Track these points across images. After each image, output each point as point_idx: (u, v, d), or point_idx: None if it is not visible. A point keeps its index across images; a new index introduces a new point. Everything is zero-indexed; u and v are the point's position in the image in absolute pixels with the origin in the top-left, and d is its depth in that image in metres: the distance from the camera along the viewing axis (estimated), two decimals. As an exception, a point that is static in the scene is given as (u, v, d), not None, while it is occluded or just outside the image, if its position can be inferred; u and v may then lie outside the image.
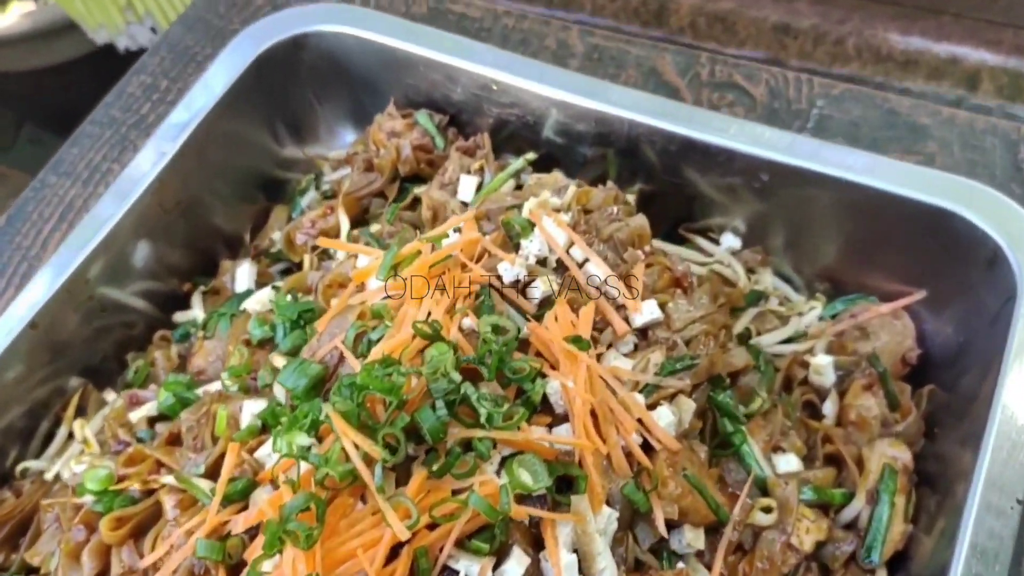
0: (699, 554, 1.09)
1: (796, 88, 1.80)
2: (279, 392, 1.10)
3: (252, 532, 0.99)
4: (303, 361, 1.08)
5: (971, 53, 2.55)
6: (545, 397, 1.05)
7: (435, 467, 0.94)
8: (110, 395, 1.38)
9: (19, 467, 1.32)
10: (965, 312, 1.37)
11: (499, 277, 1.15)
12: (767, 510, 1.15)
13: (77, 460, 1.23)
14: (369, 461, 0.91)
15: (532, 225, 1.23)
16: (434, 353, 0.99)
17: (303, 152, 1.71)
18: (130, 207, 1.39)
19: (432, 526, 0.92)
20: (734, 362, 1.27)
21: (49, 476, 1.28)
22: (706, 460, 1.15)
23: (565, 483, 1.01)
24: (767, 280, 1.48)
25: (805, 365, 1.36)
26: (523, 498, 0.96)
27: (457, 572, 0.92)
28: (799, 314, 1.44)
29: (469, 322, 1.07)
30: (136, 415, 1.25)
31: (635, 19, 2.53)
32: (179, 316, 1.48)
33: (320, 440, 0.97)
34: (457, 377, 0.98)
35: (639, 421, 1.07)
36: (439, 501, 0.91)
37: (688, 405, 1.13)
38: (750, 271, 1.49)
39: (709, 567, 1.08)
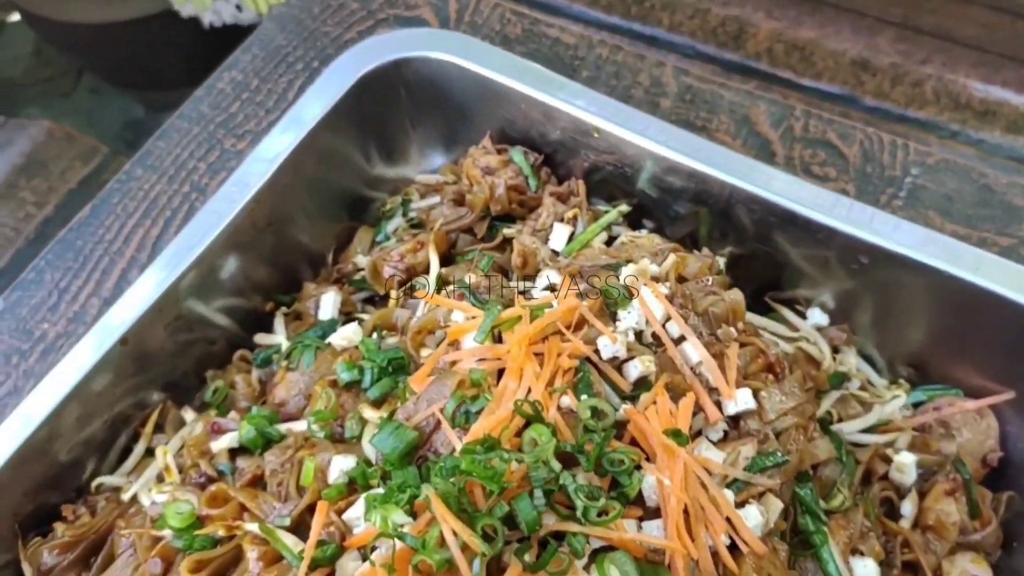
0: (772, 659, 1.08)
1: (891, 153, 1.77)
2: (368, 450, 1.10)
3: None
4: (399, 425, 1.07)
5: (1055, 107, 2.49)
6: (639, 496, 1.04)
7: (530, 560, 0.93)
8: (188, 413, 1.38)
9: (95, 482, 1.34)
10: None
11: (597, 351, 1.14)
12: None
13: (158, 488, 1.24)
14: (465, 549, 0.91)
15: (631, 295, 1.21)
16: (534, 436, 0.98)
17: (392, 172, 1.70)
18: (226, 224, 1.38)
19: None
20: (817, 453, 1.25)
21: (126, 497, 1.29)
22: (786, 561, 1.13)
23: (648, 580, 1.00)
24: (851, 361, 1.46)
25: (886, 459, 1.34)
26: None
27: (545, 674, 0.91)
28: (882, 401, 1.41)
29: (567, 401, 1.06)
30: (217, 445, 1.25)
31: (712, 39, 2.50)
32: (260, 338, 1.48)
33: (414, 516, 0.97)
34: (557, 467, 0.97)
35: (727, 520, 1.05)
36: (536, 599, 0.90)
37: (776, 505, 1.12)
38: (834, 349, 1.46)
39: (784, 674, 1.07)
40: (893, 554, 1.25)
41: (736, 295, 1.31)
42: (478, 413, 1.05)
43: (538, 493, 0.96)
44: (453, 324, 1.22)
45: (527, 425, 1.03)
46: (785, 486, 1.17)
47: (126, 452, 1.39)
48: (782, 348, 1.37)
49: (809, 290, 1.51)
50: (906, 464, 1.31)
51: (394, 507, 0.96)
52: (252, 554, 1.07)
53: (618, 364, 1.16)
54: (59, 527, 1.26)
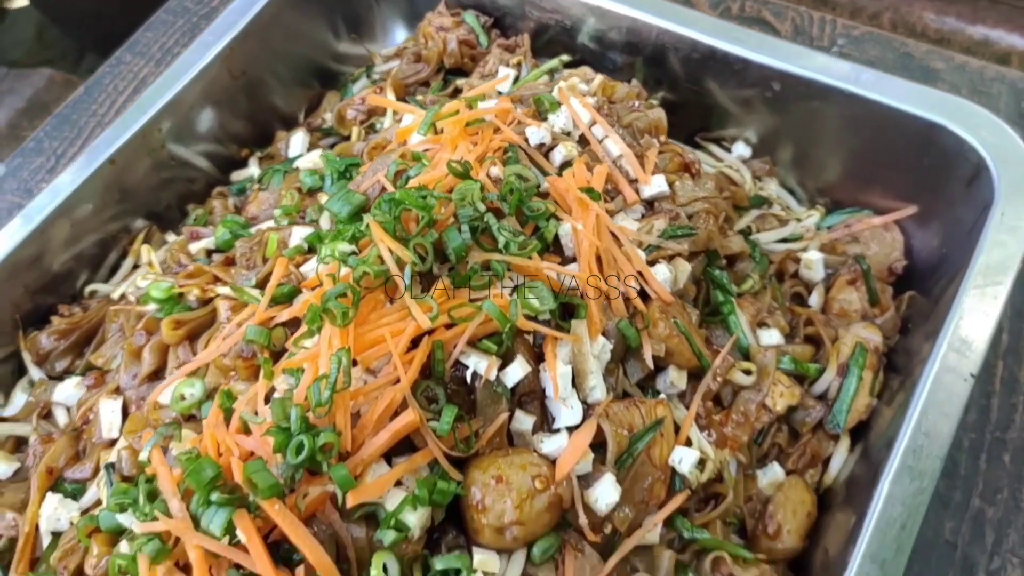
0: (681, 396, 1.23)
1: (820, 27, 1.92)
2: (325, 222, 1.26)
3: (293, 328, 1.14)
4: (348, 191, 1.23)
5: (1004, 36, 2.66)
6: (557, 241, 1.19)
7: (457, 278, 1.08)
8: (171, 237, 1.54)
9: (88, 288, 1.49)
10: (949, 225, 1.48)
11: (526, 139, 1.29)
12: (747, 372, 1.29)
13: (143, 278, 1.39)
14: (401, 265, 1.06)
15: (559, 104, 1.37)
16: (463, 187, 1.14)
17: (358, 48, 1.86)
18: (202, 69, 1.54)
19: (449, 327, 1.06)
20: (731, 246, 1.40)
21: (115, 295, 1.44)
22: (696, 322, 1.28)
23: (568, 315, 1.15)
24: (772, 188, 1.61)
25: (797, 261, 1.48)
26: (529, 320, 1.10)
27: (467, 367, 1.06)
28: (798, 220, 1.56)
29: (496, 171, 1.21)
30: (195, 247, 1.41)
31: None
32: (236, 175, 1.64)
33: (359, 251, 1.12)
34: (482, 207, 1.12)
35: (639, 273, 1.20)
36: (458, 304, 1.05)
37: (684, 267, 1.27)
38: (757, 179, 1.61)
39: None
40: (797, 329, 1.39)
41: (659, 112, 1.47)
42: (416, 176, 1.20)
43: (465, 228, 1.10)
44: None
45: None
46: (696, 261, 1.32)
47: (115, 270, 1.54)
48: (704, 169, 1.51)
49: (736, 129, 1.67)
50: (813, 260, 1.45)
51: (341, 240, 1.11)
52: (224, 307, 1.22)
53: (545, 151, 1.31)
54: (56, 319, 1.41)
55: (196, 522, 0.96)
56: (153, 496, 0.99)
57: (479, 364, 1.05)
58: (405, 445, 1.03)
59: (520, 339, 1.11)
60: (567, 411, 1.09)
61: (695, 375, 1.24)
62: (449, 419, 1.01)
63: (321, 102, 1.77)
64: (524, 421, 1.09)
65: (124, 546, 1.03)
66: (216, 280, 1.28)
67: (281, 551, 0.98)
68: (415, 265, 1.06)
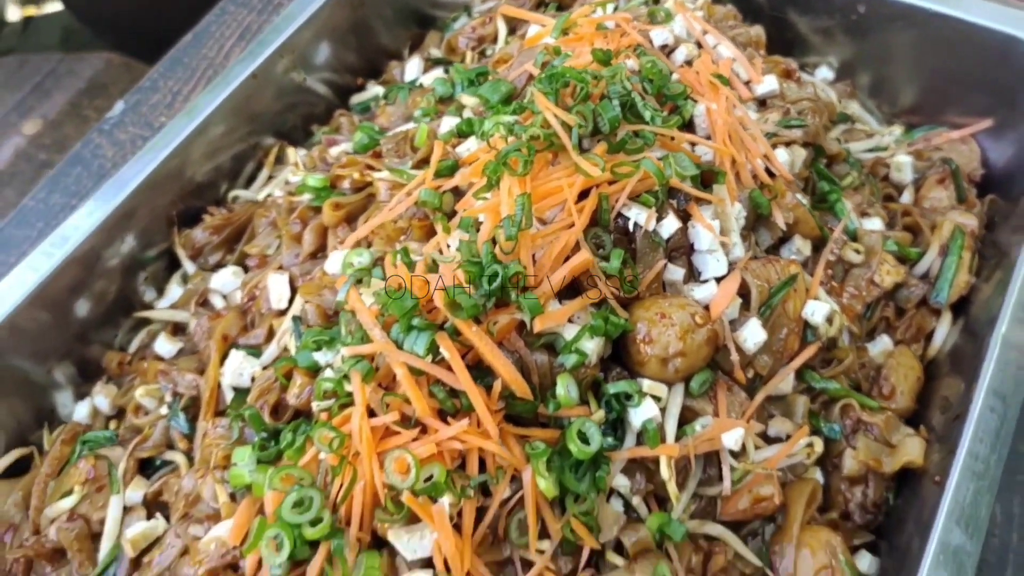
0: (804, 264, 1.34)
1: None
2: (467, 101, 1.37)
3: (458, 198, 1.25)
4: (498, 80, 1.34)
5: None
6: (691, 124, 1.31)
7: (611, 146, 1.19)
8: (302, 152, 1.65)
9: (231, 194, 1.60)
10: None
11: (650, 41, 1.41)
12: (857, 251, 1.40)
13: (293, 174, 1.50)
14: (566, 129, 1.17)
15: (672, 16, 1.49)
16: (611, 68, 1.25)
17: (454, -2, 1.99)
18: (320, 5, 1.66)
19: (611, 184, 1.17)
20: (830, 147, 1.52)
21: (261, 196, 1.55)
22: (809, 204, 1.40)
23: (705, 187, 1.26)
24: (854, 107, 1.73)
25: (887, 167, 1.60)
26: (673, 191, 1.21)
27: (628, 219, 1.17)
28: (881, 134, 1.68)
29: (632, 63, 1.33)
30: (335, 150, 1.52)
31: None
32: (355, 99, 1.75)
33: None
34: (629, 85, 1.24)
35: (763, 155, 1.32)
36: (620, 162, 1.17)
37: (800, 152, 1.39)
38: (839, 100, 1.73)
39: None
40: (896, 220, 1.51)
41: (758, 28, 1.59)
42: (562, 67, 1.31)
43: (615, 102, 1.22)
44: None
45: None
46: (807, 152, 1.43)
47: (251, 180, 1.65)
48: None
49: (816, 56, 1.79)
50: (904, 163, 1.57)
51: (504, 113, 1.23)
52: (383, 187, 1.32)
53: (667, 52, 1.43)
54: (207, 217, 1.52)
55: (398, 347, 1.06)
56: (355, 327, 1.09)
57: (639, 215, 1.16)
58: (575, 292, 1.14)
59: (669, 204, 1.22)
60: (714, 262, 1.20)
61: (816, 247, 1.35)
62: (618, 259, 1.12)
63: (423, 40, 1.89)
64: (675, 272, 1.20)
65: (328, 373, 1.13)
66: (369, 168, 1.38)
67: (474, 375, 1.07)
68: (580, 127, 1.17)
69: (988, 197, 1.60)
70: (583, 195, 1.16)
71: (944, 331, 1.41)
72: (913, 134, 1.71)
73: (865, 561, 1.20)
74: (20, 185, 2.72)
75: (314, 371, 1.17)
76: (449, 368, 1.04)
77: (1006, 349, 1.22)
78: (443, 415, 1.06)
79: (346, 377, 1.09)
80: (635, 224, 1.17)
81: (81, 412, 1.39)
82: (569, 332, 1.10)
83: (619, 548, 1.11)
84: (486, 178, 1.15)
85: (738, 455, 1.17)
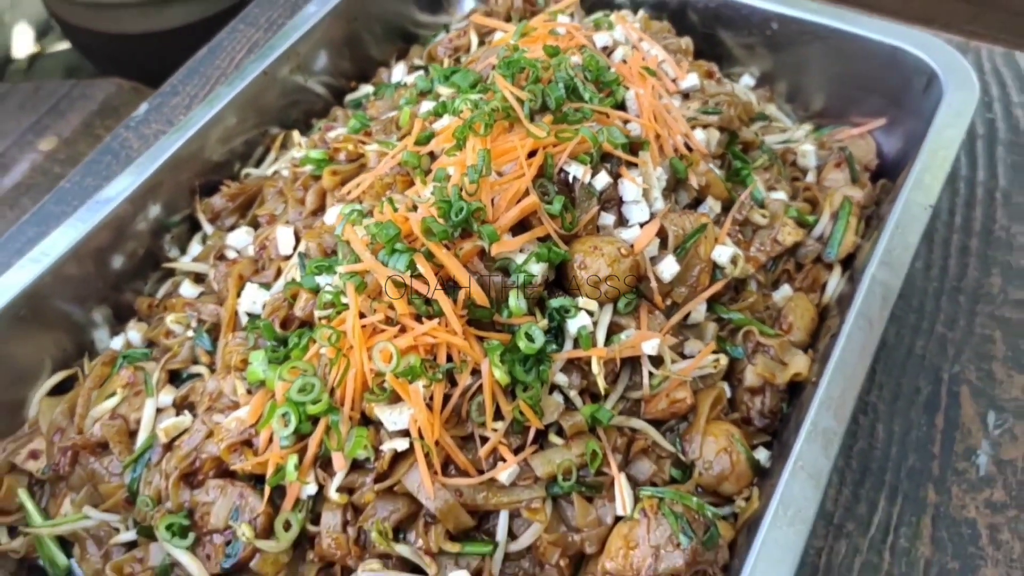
0: (716, 222, 1.64)
1: None
2: (443, 91, 1.68)
3: (434, 159, 1.55)
4: (467, 70, 1.65)
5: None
6: (623, 107, 1.62)
7: (557, 118, 1.50)
8: (304, 140, 1.95)
9: (243, 172, 1.89)
10: (910, 131, 1.92)
11: (594, 43, 1.73)
12: (763, 216, 1.70)
13: (296, 151, 1.80)
14: (520, 103, 1.48)
15: (614, 24, 1.81)
16: (558, 58, 1.57)
17: (434, 19, 2.31)
18: (327, 11, 1.98)
19: (555, 146, 1.47)
20: (745, 135, 1.84)
21: (269, 172, 1.85)
22: (723, 176, 1.70)
23: (634, 155, 1.57)
24: (771, 109, 2.06)
25: (795, 155, 1.92)
26: (607, 156, 1.52)
27: (568, 173, 1.47)
28: (793, 130, 2.01)
29: (576, 59, 1.64)
30: (331, 134, 1.82)
31: None
32: (349, 97, 2.06)
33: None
34: (572, 72, 1.55)
35: (683, 134, 1.63)
36: (562, 130, 1.47)
37: (714, 134, 1.70)
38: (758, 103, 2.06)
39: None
40: (798, 195, 1.82)
41: (687, 39, 1.92)
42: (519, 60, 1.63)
43: (560, 85, 1.53)
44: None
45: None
46: (723, 135, 1.75)
47: (260, 162, 1.95)
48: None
49: (742, 67, 2.12)
50: (808, 151, 1.89)
51: (469, 92, 1.53)
52: (373, 157, 1.62)
53: (608, 52, 1.75)
54: (223, 188, 1.81)
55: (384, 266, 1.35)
56: (349, 253, 1.38)
57: (577, 171, 1.46)
58: (525, 230, 1.43)
59: (602, 165, 1.52)
60: (638, 211, 1.50)
61: (725, 208, 1.66)
62: (559, 204, 1.41)
63: (408, 52, 2.21)
64: (607, 218, 1.50)
65: (328, 288, 1.41)
66: (361, 143, 1.69)
67: (443, 290, 1.36)
68: (530, 102, 1.48)
69: (880, 181, 1.91)
70: (533, 155, 1.46)
71: (835, 282, 1.71)
72: (822, 132, 2.03)
73: (763, 455, 1.48)
74: (36, 195, 2.98)
75: (316, 292, 1.45)
76: (424, 282, 1.33)
77: (874, 284, 1.51)
78: (419, 319, 1.34)
79: (342, 292, 1.38)
80: (574, 178, 1.46)
81: (116, 344, 1.67)
82: (520, 259, 1.39)
83: (560, 432, 1.39)
84: (455, 140, 1.45)
85: (658, 366, 1.45)
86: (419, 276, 1.33)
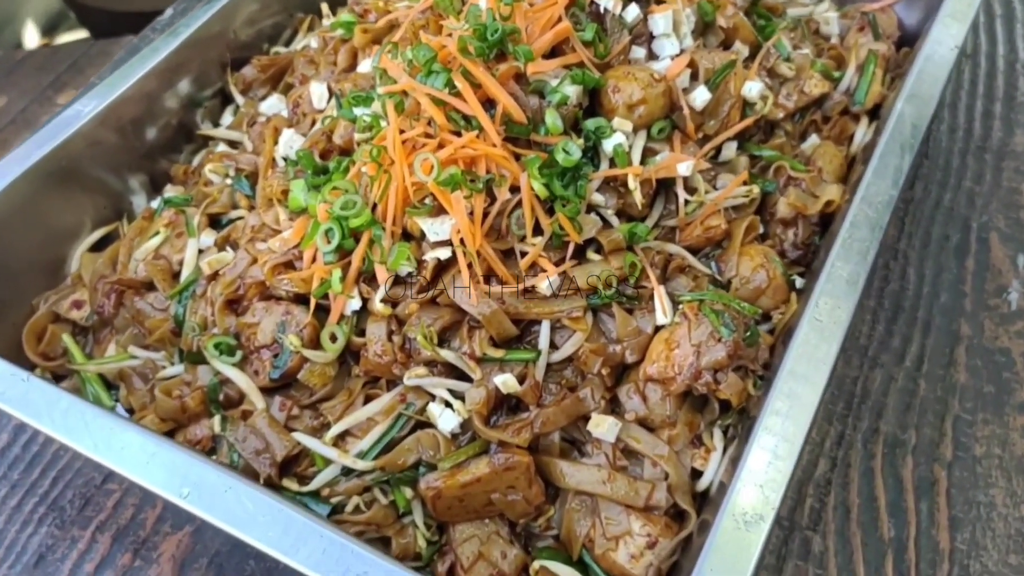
0: (744, 64, 1.65)
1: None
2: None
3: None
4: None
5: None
6: (648, -44, 1.64)
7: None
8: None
9: (272, 50, 1.92)
10: (931, 2, 1.94)
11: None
12: (789, 68, 1.72)
13: (327, 18, 1.82)
14: None
15: None
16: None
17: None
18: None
19: (584, -18, 1.50)
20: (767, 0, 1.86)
21: (298, 47, 1.87)
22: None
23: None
24: (792, -13, 2.08)
25: (817, 24, 1.94)
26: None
27: (599, 5, 1.49)
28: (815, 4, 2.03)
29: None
30: (361, 7, 1.85)
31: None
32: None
33: None
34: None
35: (708, -19, 1.65)
36: (590, -37, 1.50)
37: (742, -24, 1.72)
38: (780, -17, 2.08)
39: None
40: (823, 54, 1.84)
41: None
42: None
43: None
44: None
45: None
46: (744, -6, 1.77)
47: (289, 43, 1.98)
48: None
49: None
50: (831, 17, 1.91)
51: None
52: (403, 11, 1.65)
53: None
54: (255, 60, 1.84)
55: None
56: (386, 79, 1.41)
57: (608, 2, 1.48)
58: (559, 56, 1.45)
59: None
60: (669, 45, 1.52)
61: (753, 55, 1.68)
62: (591, 31, 1.44)
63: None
64: (638, 52, 1.52)
65: (366, 116, 1.43)
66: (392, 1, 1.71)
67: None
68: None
69: (903, 50, 1.93)
70: (563, -11, 1.48)
71: (862, 131, 1.72)
72: (844, 9, 2.05)
73: (798, 281, 1.50)
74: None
75: (354, 122, 1.47)
76: (463, 100, 1.35)
77: (902, 115, 1.53)
78: (458, 135, 1.36)
79: (381, 117, 1.40)
80: (604, 9, 1.49)
81: (154, 204, 1.69)
82: (555, 82, 1.41)
83: (598, 250, 1.41)
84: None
85: (692, 194, 1.47)
86: (457, 95, 1.35)
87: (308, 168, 1.46)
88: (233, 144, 1.75)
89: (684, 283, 1.42)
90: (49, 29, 5.34)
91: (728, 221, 1.49)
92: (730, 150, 1.56)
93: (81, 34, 5.04)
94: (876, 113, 1.75)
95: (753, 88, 1.55)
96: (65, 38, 5.29)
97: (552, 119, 1.37)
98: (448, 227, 1.32)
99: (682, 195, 1.45)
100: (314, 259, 1.37)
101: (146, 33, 2.19)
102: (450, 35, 1.43)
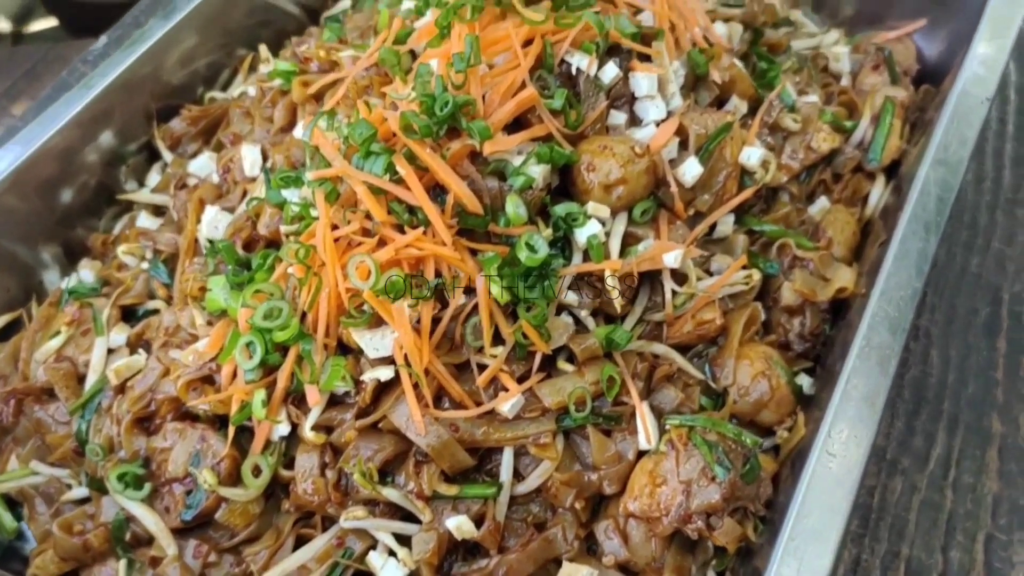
0: (742, 124, 1.43)
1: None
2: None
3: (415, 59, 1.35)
4: None
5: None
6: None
7: (556, 2, 1.30)
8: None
9: (207, 95, 1.69)
10: (954, 31, 1.71)
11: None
12: (794, 120, 1.50)
13: (263, 66, 1.60)
14: (512, -15, 1.27)
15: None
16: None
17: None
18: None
19: (555, 34, 1.27)
20: (770, 36, 1.63)
21: (235, 94, 1.65)
22: (749, 71, 1.50)
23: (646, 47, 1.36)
24: (797, 15, 1.84)
25: (826, 60, 1.71)
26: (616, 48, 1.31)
27: (571, 65, 1.27)
28: (821, 34, 1.80)
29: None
30: (301, 48, 1.62)
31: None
32: (327, 14, 1.86)
33: None
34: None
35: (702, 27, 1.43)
36: (563, 15, 1.27)
37: (736, 28, 1.50)
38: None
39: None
40: (833, 99, 1.61)
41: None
42: None
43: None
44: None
45: None
46: (745, 33, 1.54)
47: (226, 87, 1.75)
48: None
49: (761, -30, 1.90)
50: (841, 53, 1.68)
51: None
52: (347, 61, 1.42)
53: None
54: (184, 111, 1.61)
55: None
56: (319, 160, 1.19)
57: (581, 61, 1.26)
58: (521, 129, 1.23)
59: (609, 57, 1.32)
60: (653, 108, 1.30)
61: (753, 110, 1.45)
62: (561, 98, 1.21)
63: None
64: (618, 117, 1.30)
65: (295, 202, 1.22)
66: (335, 49, 1.48)
67: (429, 197, 1.16)
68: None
69: (923, 87, 1.70)
70: (529, 44, 1.26)
71: (879, 192, 1.50)
72: (855, 38, 1.82)
73: (806, 382, 1.29)
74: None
75: (282, 207, 1.25)
76: (407, 188, 1.13)
77: (928, 185, 1.31)
78: (401, 230, 1.14)
79: (311, 204, 1.18)
80: (577, 70, 1.26)
81: (67, 283, 1.48)
82: (518, 161, 1.19)
83: (570, 358, 1.19)
84: (438, 29, 1.25)
85: (682, 283, 1.26)
86: (400, 181, 1.14)
87: (229, 261, 1.24)
88: (159, 209, 1.53)
89: (672, 395, 1.21)
90: (22, 16, 5.14)
91: (724, 312, 1.28)
92: (726, 226, 1.34)
93: (52, 22, 4.84)
94: (894, 170, 1.53)
95: (753, 155, 1.33)
96: (37, 26, 5.08)
97: (514, 207, 1.16)
98: (390, 342, 1.11)
99: (669, 287, 1.24)
100: (235, 375, 1.16)
101: (76, 65, 1.96)
102: (395, 105, 1.21)
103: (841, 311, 1.35)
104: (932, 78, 1.74)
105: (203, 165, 1.52)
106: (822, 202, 1.48)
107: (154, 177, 1.60)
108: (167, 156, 1.60)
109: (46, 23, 5.03)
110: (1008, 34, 1.50)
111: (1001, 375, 1.46)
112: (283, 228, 1.21)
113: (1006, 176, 1.70)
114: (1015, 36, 1.49)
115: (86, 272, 1.47)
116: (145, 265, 1.39)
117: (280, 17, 1.85)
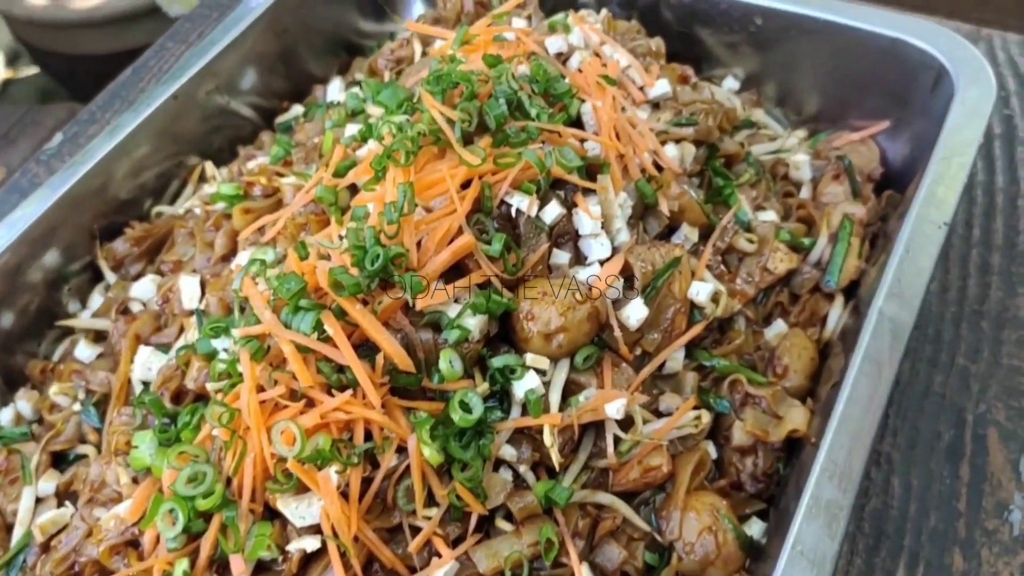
0: (693, 252, 1.40)
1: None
2: (374, 112, 1.44)
3: (354, 195, 1.31)
4: (396, 86, 1.42)
5: None
6: (579, 123, 1.38)
7: (496, 140, 1.26)
8: (223, 172, 1.71)
9: (155, 210, 1.66)
10: (918, 133, 1.68)
11: (546, 50, 1.49)
12: (749, 241, 1.46)
13: (210, 186, 1.57)
14: (450, 124, 1.24)
15: (571, 27, 1.58)
16: (498, 68, 1.33)
17: (381, 24, 2.08)
18: (249, 24, 1.74)
19: (495, 174, 1.24)
20: (727, 147, 1.60)
21: (181, 210, 1.61)
22: (702, 198, 1.46)
23: (591, 179, 1.33)
24: (759, 115, 1.82)
25: (786, 167, 1.68)
26: (560, 182, 1.28)
27: (511, 206, 1.23)
28: (784, 137, 1.76)
29: (523, 68, 1.41)
30: (251, 164, 1.59)
31: None
32: (279, 119, 1.83)
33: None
34: (515, 85, 1.31)
35: (651, 151, 1.39)
36: (502, 153, 1.24)
37: (689, 149, 1.46)
38: (744, 108, 1.82)
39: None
40: (791, 213, 1.58)
41: (658, 40, 1.68)
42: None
43: (501, 101, 1.29)
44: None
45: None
46: (699, 153, 1.51)
47: (175, 198, 1.72)
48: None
49: (725, 68, 1.88)
50: (801, 161, 1.65)
51: (396, 114, 1.30)
52: (289, 192, 1.39)
53: (562, 60, 1.51)
54: (128, 230, 1.58)
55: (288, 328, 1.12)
56: (248, 312, 1.15)
57: (521, 202, 1.22)
58: (460, 275, 1.20)
59: (553, 193, 1.28)
60: (598, 246, 1.26)
61: (705, 236, 1.42)
62: (500, 243, 1.18)
63: (350, 67, 1.98)
64: (561, 256, 1.26)
65: (223, 356, 1.18)
66: (277, 175, 1.45)
67: (360, 353, 1.13)
68: (463, 123, 1.24)
69: (886, 193, 1.67)
70: (467, 186, 1.22)
71: (836, 314, 1.46)
72: (817, 139, 1.79)
73: (757, 528, 1.24)
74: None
75: (212, 357, 1.21)
76: (335, 346, 1.09)
77: (882, 321, 1.27)
78: (330, 391, 1.10)
79: (239, 360, 1.14)
80: (518, 211, 1.23)
81: (4, 417, 1.44)
82: (454, 311, 1.16)
83: (508, 516, 1.15)
84: (373, 171, 1.21)
85: (627, 428, 1.22)
86: (329, 339, 1.10)
87: (157, 415, 1.20)
88: (100, 335, 1.49)
89: (616, 553, 1.17)
90: (12, 59, 5.16)
91: (673, 456, 1.24)
92: (676, 362, 1.30)
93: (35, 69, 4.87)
94: (853, 290, 1.49)
95: (702, 291, 1.29)
96: (28, 71, 5.10)
97: (448, 362, 1.12)
98: (316, 509, 1.07)
99: (611, 438, 1.20)
100: (158, 540, 1.11)
101: (29, 166, 1.93)
102: (328, 257, 1.17)
103: (795, 448, 1.31)
104: (896, 182, 1.71)
105: (145, 289, 1.48)
106: (779, 325, 1.44)
107: (96, 299, 1.57)
108: (110, 277, 1.56)
109: (34, 69, 5.06)
110: (967, 152, 1.47)
111: (964, 506, 1.41)
112: (209, 386, 1.17)
113: (971, 286, 1.66)
114: (973, 154, 1.45)
115: (23, 404, 1.43)
116: (77, 407, 1.35)
117: (234, 122, 1.82)
